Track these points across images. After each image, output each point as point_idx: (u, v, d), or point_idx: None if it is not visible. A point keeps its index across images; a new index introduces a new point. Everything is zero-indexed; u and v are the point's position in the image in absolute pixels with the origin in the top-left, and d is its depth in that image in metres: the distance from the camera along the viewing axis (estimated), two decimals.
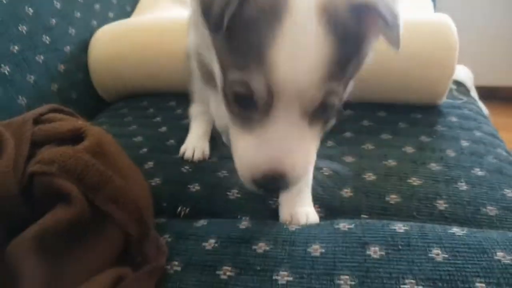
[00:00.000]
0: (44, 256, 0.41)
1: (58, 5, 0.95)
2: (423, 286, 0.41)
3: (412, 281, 0.42)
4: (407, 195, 0.60)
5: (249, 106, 0.40)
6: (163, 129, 0.85)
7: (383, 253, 0.46)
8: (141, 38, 0.98)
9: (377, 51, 0.47)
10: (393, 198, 0.60)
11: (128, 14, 1.20)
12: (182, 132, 0.79)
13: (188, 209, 0.63)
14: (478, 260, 0.43)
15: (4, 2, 0.82)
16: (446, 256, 0.44)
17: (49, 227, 0.42)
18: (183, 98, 0.87)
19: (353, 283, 0.42)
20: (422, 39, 0.79)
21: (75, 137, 0.52)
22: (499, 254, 0.43)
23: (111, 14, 1.13)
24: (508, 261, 0.42)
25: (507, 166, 0.67)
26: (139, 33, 1.00)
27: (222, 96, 0.45)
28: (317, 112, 0.41)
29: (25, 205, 0.46)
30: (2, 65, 0.79)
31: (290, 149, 0.41)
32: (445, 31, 0.79)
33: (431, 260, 0.44)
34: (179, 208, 0.64)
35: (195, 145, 0.73)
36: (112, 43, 1.00)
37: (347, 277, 0.43)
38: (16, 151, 0.48)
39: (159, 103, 0.96)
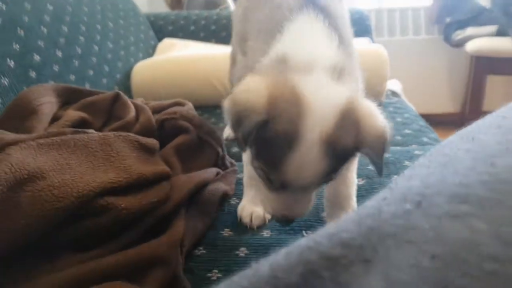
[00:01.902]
0: (179, 157, 0.75)
1: (111, 45, 1.32)
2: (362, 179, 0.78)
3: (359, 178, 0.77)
4: None
5: (270, 180, 0.54)
6: None
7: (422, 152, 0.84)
8: (167, 67, 1.37)
9: None
10: None
11: (151, 55, 1.58)
12: None
13: None
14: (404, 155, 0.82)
15: (82, 41, 1.18)
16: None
17: (179, 143, 0.77)
18: (205, 108, 1.25)
19: None
20: (368, 58, 1.23)
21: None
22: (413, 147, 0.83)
23: (140, 55, 1.50)
24: (419, 152, 0.82)
25: (418, 134, 1.09)
26: (165, 64, 1.38)
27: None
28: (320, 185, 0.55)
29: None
30: (86, 82, 1.13)
31: (298, 207, 0.55)
32: (380, 54, 1.24)
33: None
34: None
35: (252, 210, 0.68)
36: (145, 73, 1.37)
37: None
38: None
39: None
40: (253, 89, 0.52)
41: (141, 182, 0.58)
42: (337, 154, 0.49)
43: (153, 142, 0.68)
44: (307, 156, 0.48)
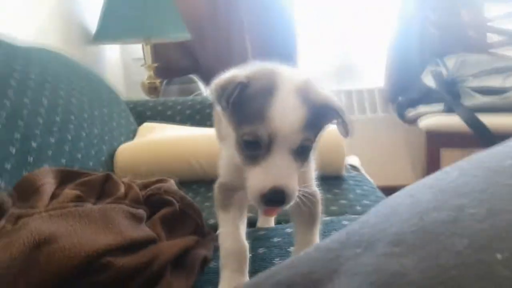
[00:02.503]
0: (163, 227, 0.87)
1: (96, 131, 1.47)
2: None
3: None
4: (330, 211, 1.14)
5: (255, 148, 0.58)
6: None
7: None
8: (147, 149, 1.51)
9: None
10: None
11: (131, 138, 1.72)
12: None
13: None
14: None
15: (72, 128, 1.32)
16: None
17: (163, 215, 0.88)
18: (183, 184, 1.37)
19: None
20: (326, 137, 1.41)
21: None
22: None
23: (122, 138, 1.65)
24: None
25: (375, 204, 1.24)
26: (145, 146, 1.53)
27: (235, 148, 0.63)
28: (298, 152, 0.59)
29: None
30: (76, 165, 1.26)
31: (284, 175, 0.58)
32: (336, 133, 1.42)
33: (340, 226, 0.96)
34: None
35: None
36: (127, 154, 1.51)
37: None
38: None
39: None
40: (233, 71, 0.64)
41: (133, 245, 0.69)
42: (311, 108, 0.59)
43: (141, 212, 0.80)
44: (286, 102, 0.58)
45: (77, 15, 2.31)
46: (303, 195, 0.68)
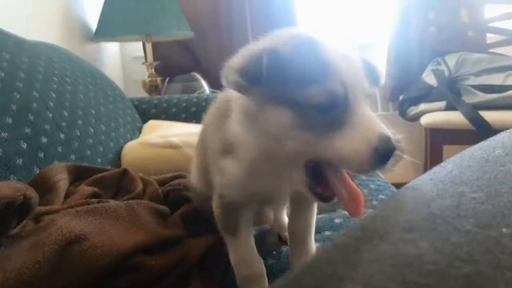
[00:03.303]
0: (184, 224, 0.84)
1: (103, 128, 1.43)
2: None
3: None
4: None
5: (330, 109, 0.49)
6: None
7: (342, 220, 0.95)
8: (155, 146, 1.47)
9: None
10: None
11: (137, 136, 1.68)
12: None
13: None
14: None
15: (80, 124, 1.28)
16: None
17: (184, 211, 0.85)
18: None
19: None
20: None
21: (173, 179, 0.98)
22: None
23: (128, 136, 1.61)
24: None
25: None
26: (153, 142, 1.49)
27: (295, 125, 0.50)
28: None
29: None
30: (84, 161, 1.22)
31: (380, 123, 0.51)
32: None
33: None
34: None
35: None
36: (135, 152, 1.47)
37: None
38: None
39: None
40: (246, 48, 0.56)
41: (163, 243, 0.66)
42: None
43: (165, 209, 0.77)
44: (340, 50, 0.52)
45: (78, 11, 2.26)
46: None
